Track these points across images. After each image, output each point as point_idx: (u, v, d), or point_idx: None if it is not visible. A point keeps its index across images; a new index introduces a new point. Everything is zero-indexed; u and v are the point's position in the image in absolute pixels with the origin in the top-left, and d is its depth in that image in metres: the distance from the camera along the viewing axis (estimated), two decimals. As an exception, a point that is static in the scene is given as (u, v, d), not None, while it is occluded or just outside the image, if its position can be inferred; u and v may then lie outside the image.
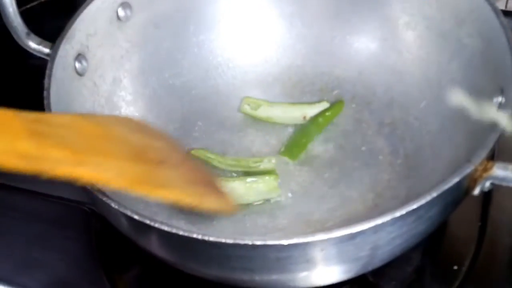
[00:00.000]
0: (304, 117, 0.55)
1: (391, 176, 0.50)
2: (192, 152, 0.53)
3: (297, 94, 0.57)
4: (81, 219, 0.53)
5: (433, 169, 0.49)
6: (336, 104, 0.55)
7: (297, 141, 0.53)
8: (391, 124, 0.53)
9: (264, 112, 0.55)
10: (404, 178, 0.50)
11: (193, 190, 0.39)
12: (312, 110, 0.55)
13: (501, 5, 0.69)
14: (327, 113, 0.54)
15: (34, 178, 0.54)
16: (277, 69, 0.58)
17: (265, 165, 0.51)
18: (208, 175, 0.43)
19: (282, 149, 0.53)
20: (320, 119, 0.54)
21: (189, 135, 0.55)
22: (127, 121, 0.45)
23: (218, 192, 0.40)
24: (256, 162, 0.51)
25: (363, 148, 0.52)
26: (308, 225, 0.48)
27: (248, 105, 0.56)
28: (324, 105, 0.55)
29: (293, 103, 0.56)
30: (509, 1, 0.67)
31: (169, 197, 0.37)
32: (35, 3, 0.73)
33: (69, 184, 0.45)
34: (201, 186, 0.40)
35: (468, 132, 0.47)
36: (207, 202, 0.39)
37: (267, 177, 0.49)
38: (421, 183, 0.49)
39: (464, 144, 0.47)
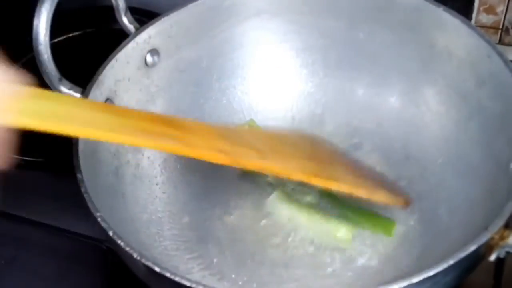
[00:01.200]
0: None
1: (405, 231, 0.51)
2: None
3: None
4: (98, 256, 0.54)
5: (448, 227, 0.49)
6: None
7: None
8: (408, 178, 0.54)
9: None
10: (419, 234, 0.50)
11: (363, 184, 0.48)
12: None
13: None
14: None
15: (52, 213, 0.57)
16: (297, 116, 0.59)
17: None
18: (376, 173, 0.51)
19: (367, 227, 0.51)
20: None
21: (210, 178, 0.55)
22: (296, 134, 0.52)
23: (389, 187, 0.49)
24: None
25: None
26: (323, 277, 0.48)
27: None
28: None
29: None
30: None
31: (342, 189, 0.46)
32: (63, 37, 0.75)
33: (87, 221, 0.46)
34: (371, 181, 0.49)
35: (485, 191, 0.48)
36: (378, 195, 0.47)
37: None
38: (436, 241, 0.49)
39: (481, 203, 0.47)
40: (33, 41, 0.45)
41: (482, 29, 0.69)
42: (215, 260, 0.50)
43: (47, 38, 0.45)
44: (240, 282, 0.48)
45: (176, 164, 0.55)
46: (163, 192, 0.53)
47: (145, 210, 0.51)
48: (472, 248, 0.37)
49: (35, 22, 0.44)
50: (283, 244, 0.50)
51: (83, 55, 0.70)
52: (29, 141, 0.63)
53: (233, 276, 0.49)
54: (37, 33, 0.44)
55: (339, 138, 0.57)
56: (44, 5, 0.45)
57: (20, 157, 0.62)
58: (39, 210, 0.58)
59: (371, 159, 0.56)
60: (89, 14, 0.76)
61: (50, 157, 0.62)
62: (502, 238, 0.38)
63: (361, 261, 0.49)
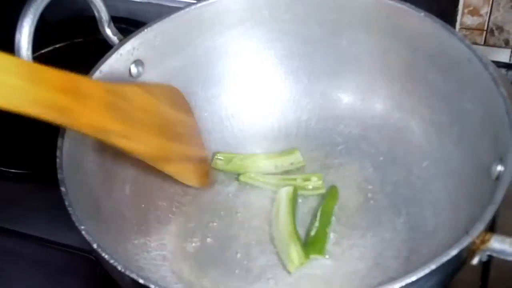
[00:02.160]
0: (276, 166, 0.56)
1: (392, 235, 0.51)
2: (240, 177, 0.55)
3: (302, 148, 0.58)
4: (86, 267, 0.54)
5: (435, 230, 0.50)
6: (330, 192, 0.54)
7: (316, 235, 0.51)
8: (394, 182, 0.54)
9: (235, 165, 0.56)
10: (405, 238, 0.51)
11: (187, 166, 0.52)
12: (283, 161, 0.56)
13: (505, 58, 0.71)
14: (327, 205, 0.53)
15: (40, 225, 0.56)
16: (283, 123, 0.59)
17: (313, 184, 0.54)
18: (205, 154, 0.56)
19: (306, 248, 0.50)
20: (324, 211, 0.53)
21: (196, 187, 0.55)
22: (168, 90, 0.54)
23: (203, 170, 0.54)
24: (305, 180, 0.54)
25: (365, 206, 0.53)
26: (312, 283, 0.49)
27: (221, 159, 0.57)
28: (296, 156, 0.56)
29: (266, 155, 0.57)
30: (512, 55, 0.69)
31: (170, 171, 0.50)
32: (50, 48, 0.75)
33: (75, 232, 0.46)
34: (194, 163, 0.53)
35: (468, 194, 0.48)
36: (191, 179, 0.53)
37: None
38: (423, 243, 0.49)
39: (465, 206, 0.48)
40: (15, 54, 0.45)
41: (467, 30, 0.69)
42: (204, 269, 0.50)
43: (29, 53, 0.45)
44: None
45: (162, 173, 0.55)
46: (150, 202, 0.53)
47: (132, 221, 0.51)
48: (454, 252, 0.37)
49: (17, 36, 0.45)
50: (269, 257, 0.51)
51: (71, 65, 0.70)
52: (17, 153, 0.64)
53: (221, 286, 0.49)
54: (19, 48, 0.45)
55: (325, 144, 0.58)
56: (26, 19, 0.45)
57: (8, 169, 0.62)
58: (26, 221, 0.58)
59: (357, 164, 0.56)
60: (77, 25, 0.76)
61: (37, 169, 0.62)
62: (483, 242, 0.38)
63: (349, 265, 0.50)
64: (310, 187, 0.54)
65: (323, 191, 0.54)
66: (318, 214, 0.52)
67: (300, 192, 0.54)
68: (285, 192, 0.54)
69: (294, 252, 0.49)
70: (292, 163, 0.56)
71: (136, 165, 0.51)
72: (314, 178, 0.55)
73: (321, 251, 0.50)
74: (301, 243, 0.50)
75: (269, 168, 0.56)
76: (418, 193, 0.53)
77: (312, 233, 0.51)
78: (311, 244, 0.50)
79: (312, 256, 0.50)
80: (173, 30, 0.54)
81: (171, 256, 0.51)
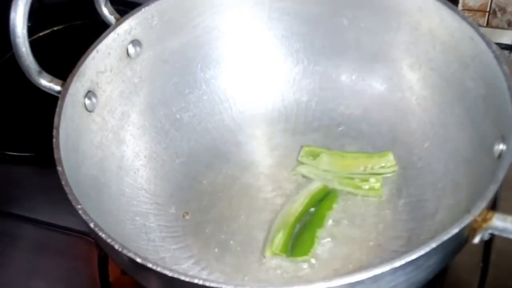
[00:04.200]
0: (365, 168, 0.53)
1: (393, 216, 0.51)
2: (298, 168, 0.54)
3: (302, 129, 0.57)
4: (85, 249, 0.54)
5: (435, 210, 0.49)
6: (330, 195, 0.53)
7: (303, 238, 0.50)
8: (395, 162, 0.53)
9: (322, 161, 0.54)
10: (406, 218, 0.50)
11: None
12: (374, 163, 0.53)
13: (507, 40, 0.70)
14: (322, 208, 0.52)
15: (39, 207, 0.56)
16: (283, 104, 0.59)
17: (370, 184, 0.52)
18: None
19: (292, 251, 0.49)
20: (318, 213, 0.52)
21: (195, 169, 0.55)
22: None
23: None
24: (363, 181, 0.52)
25: (366, 187, 0.53)
26: (310, 265, 0.48)
27: (307, 153, 0.55)
28: (388, 159, 0.53)
29: (356, 154, 0.55)
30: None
31: None
32: (48, 31, 0.74)
33: (74, 215, 0.46)
34: None
35: (470, 174, 0.48)
36: None
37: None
38: (424, 224, 0.49)
39: (466, 186, 0.47)
40: (10, 34, 0.44)
41: (469, 12, 0.68)
42: (201, 250, 0.50)
43: (25, 31, 0.44)
44: (227, 271, 0.48)
45: (162, 154, 0.55)
46: (149, 184, 0.53)
47: (130, 202, 0.51)
48: (455, 231, 0.37)
49: (12, 15, 0.44)
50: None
51: (69, 48, 0.70)
52: (17, 136, 0.64)
53: (219, 266, 0.49)
54: (14, 26, 0.44)
55: (325, 125, 0.57)
56: (21, -3, 0.44)
57: (8, 152, 0.62)
58: (26, 204, 0.58)
59: (358, 145, 0.56)
60: (74, 7, 0.76)
61: (37, 151, 0.61)
62: (485, 220, 0.38)
63: (349, 246, 0.49)
64: (366, 187, 0.52)
65: (379, 193, 0.52)
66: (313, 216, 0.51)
67: (355, 191, 0.52)
68: (313, 186, 0.53)
69: (277, 240, 0.49)
70: (383, 166, 0.53)
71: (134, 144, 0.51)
72: (372, 180, 0.52)
73: (306, 252, 0.48)
74: (289, 236, 0.49)
75: (357, 168, 0.53)
76: (419, 174, 0.52)
77: (302, 230, 0.50)
78: (297, 245, 0.49)
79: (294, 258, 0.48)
80: (171, 9, 0.54)
81: (171, 237, 0.50)
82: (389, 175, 0.53)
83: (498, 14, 0.68)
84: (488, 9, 0.68)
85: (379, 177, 0.53)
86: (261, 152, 0.57)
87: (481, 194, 0.39)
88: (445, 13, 0.49)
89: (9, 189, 0.60)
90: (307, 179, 0.54)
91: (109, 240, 0.38)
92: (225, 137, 0.57)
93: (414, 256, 0.36)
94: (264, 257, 0.49)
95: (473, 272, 0.49)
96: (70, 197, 0.40)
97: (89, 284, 0.51)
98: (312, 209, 0.52)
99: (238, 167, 0.55)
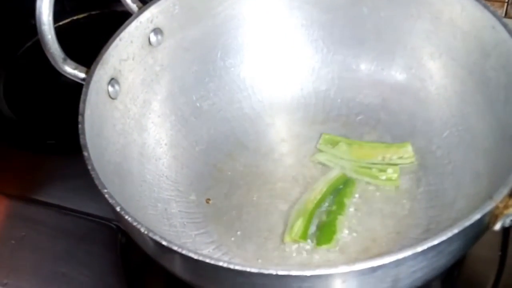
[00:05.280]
0: (383, 158, 0.53)
1: (412, 204, 0.51)
2: (316, 156, 0.54)
3: (321, 118, 0.58)
4: (107, 235, 0.54)
5: (454, 199, 0.50)
6: (349, 183, 0.53)
7: (325, 227, 0.50)
8: (414, 151, 0.54)
9: (341, 149, 0.54)
10: (425, 207, 0.51)
11: None
12: (392, 153, 0.53)
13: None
14: (341, 196, 0.52)
15: (61, 194, 0.57)
16: (302, 93, 0.59)
17: (388, 175, 0.52)
18: None
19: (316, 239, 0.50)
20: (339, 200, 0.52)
21: (215, 157, 0.56)
22: None
23: None
24: (381, 171, 0.52)
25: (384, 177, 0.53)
26: (329, 251, 0.49)
27: (326, 141, 0.55)
28: (406, 150, 0.53)
29: (374, 144, 0.55)
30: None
31: None
32: (67, 20, 0.75)
33: (95, 201, 0.46)
34: None
35: (490, 162, 0.48)
36: None
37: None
38: (443, 212, 0.49)
39: (486, 175, 0.47)
40: (36, 21, 0.45)
41: (487, 2, 0.68)
42: (222, 236, 0.50)
43: (51, 18, 0.45)
44: (248, 257, 0.49)
45: (182, 142, 0.55)
46: (170, 171, 0.54)
47: (152, 188, 0.51)
48: (477, 217, 0.37)
49: (38, 2, 0.45)
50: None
51: (89, 37, 0.71)
52: (38, 124, 0.64)
53: (240, 252, 0.49)
54: (40, 14, 0.45)
55: (343, 114, 0.57)
56: (47, -15, 0.45)
57: (30, 140, 0.63)
58: (48, 190, 0.58)
59: (377, 134, 0.56)
60: (94, -3, 0.76)
61: (59, 139, 0.62)
62: (507, 207, 0.38)
63: (369, 233, 0.50)
64: (384, 177, 0.52)
65: (397, 183, 0.52)
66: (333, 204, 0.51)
67: (373, 181, 0.52)
68: (332, 174, 0.53)
69: (297, 227, 0.49)
70: (401, 157, 0.53)
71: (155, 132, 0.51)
72: (389, 170, 0.52)
73: (329, 241, 0.49)
74: (308, 223, 0.50)
75: (375, 158, 0.53)
76: (437, 163, 0.52)
77: (324, 219, 0.51)
78: (320, 234, 0.50)
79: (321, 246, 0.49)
80: (192, -2, 0.54)
81: (192, 223, 0.51)
82: (407, 165, 0.53)
83: (517, 5, 0.67)
84: (506, 0, 0.67)
85: (397, 167, 0.53)
86: (279, 141, 0.57)
87: (503, 181, 0.39)
88: (467, 2, 0.49)
89: (31, 176, 0.60)
90: (326, 167, 0.54)
91: (135, 223, 0.39)
92: (244, 125, 0.58)
93: (436, 241, 0.36)
94: (284, 243, 0.50)
95: (491, 262, 0.50)
96: (96, 181, 0.41)
97: (112, 269, 0.52)
98: (331, 197, 0.52)
99: (257, 155, 0.56)
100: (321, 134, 0.56)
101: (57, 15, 0.74)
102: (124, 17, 0.52)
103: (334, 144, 0.55)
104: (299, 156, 0.56)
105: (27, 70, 0.69)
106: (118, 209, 0.40)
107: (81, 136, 0.43)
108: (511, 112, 0.46)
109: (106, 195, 0.40)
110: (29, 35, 0.69)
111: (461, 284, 0.50)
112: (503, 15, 0.69)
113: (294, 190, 0.53)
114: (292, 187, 0.53)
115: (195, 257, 0.36)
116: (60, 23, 0.74)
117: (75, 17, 0.75)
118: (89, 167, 0.42)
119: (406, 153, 0.53)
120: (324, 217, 0.51)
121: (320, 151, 0.55)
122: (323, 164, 0.55)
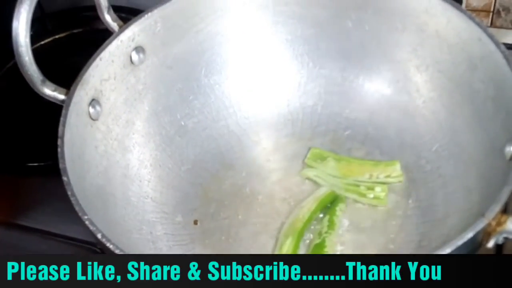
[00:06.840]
0: (370, 176, 0.52)
1: (403, 220, 0.50)
2: (304, 171, 0.53)
3: (308, 134, 0.57)
4: (92, 259, 0.53)
5: (446, 214, 0.49)
6: (338, 200, 0.52)
7: (315, 246, 0.49)
8: (403, 167, 0.53)
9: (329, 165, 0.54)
10: (416, 222, 0.50)
11: None
12: (380, 172, 0.52)
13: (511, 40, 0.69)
14: (331, 214, 0.51)
15: (44, 218, 0.56)
16: (288, 109, 0.58)
17: (375, 193, 0.51)
18: None
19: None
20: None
21: (201, 176, 0.55)
22: None
23: None
24: (368, 189, 0.52)
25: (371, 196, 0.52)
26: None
27: (314, 156, 0.54)
28: (394, 169, 0.52)
29: (362, 161, 0.54)
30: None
31: None
32: (49, 39, 0.74)
33: (80, 224, 0.45)
34: None
35: (480, 177, 0.47)
36: None
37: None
38: (435, 228, 0.48)
39: (477, 189, 0.47)
40: (13, 43, 0.44)
41: (473, 12, 0.68)
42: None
43: (28, 40, 0.44)
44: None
45: (167, 162, 0.54)
46: (155, 192, 0.52)
47: (136, 211, 0.50)
48: (469, 235, 0.36)
49: (14, 23, 0.43)
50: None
51: (72, 56, 0.70)
52: (20, 146, 0.63)
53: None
54: (17, 35, 0.43)
55: (331, 129, 0.57)
56: (23, 5, 0.44)
57: (11, 163, 0.62)
58: (30, 215, 0.57)
59: (365, 149, 0.55)
60: (75, 15, 0.75)
61: (41, 161, 0.61)
62: (499, 224, 0.37)
63: (359, 251, 0.49)
64: (371, 196, 0.51)
65: (384, 202, 0.51)
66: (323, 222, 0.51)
67: (360, 199, 0.52)
68: (321, 191, 0.52)
69: (286, 247, 0.49)
70: (388, 176, 0.52)
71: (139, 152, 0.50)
72: (378, 188, 0.51)
73: None
74: (298, 243, 0.49)
75: (362, 176, 0.53)
76: (427, 177, 0.52)
77: (317, 241, 0.49)
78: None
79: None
80: (174, 15, 0.53)
81: (178, 245, 0.50)
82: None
83: (502, 14, 0.67)
84: (492, 9, 0.67)
85: (385, 186, 0.52)
86: (266, 158, 0.56)
87: (494, 197, 0.38)
88: (452, 14, 0.49)
89: (12, 200, 0.59)
90: (314, 184, 0.53)
91: (117, 251, 0.37)
92: (231, 143, 0.57)
93: (428, 262, 0.35)
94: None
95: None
96: (77, 208, 0.40)
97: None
98: (321, 215, 0.51)
99: (244, 174, 0.55)
100: (309, 149, 0.55)
101: (39, 34, 0.74)
102: (107, 35, 0.52)
103: (322, 159, 0.54)
104: (287, 173, 0.55)
105: (7, 92, 0.68)
106: (99, 236, 0.38)
107: (60, 161, 0.42)
108: (500, 125, 0.45)
109: (87, 222, 0.39)
110: (8, 57, 0.68)
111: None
112: (489, 24, 0.68)
113: (283, 208, 0.52)
114: (281, 205, 0.53)
115: (180, 285, 0.35)
116: (42, 42, 0.73)
117: (57, 36, 0.74)
118: (69, 193, 0.40)
119: (394, 172, 0.53)
120: (314, 236, 0.50)
121: (308, 166, 0.54)
122: (311, 180, 0.54)
